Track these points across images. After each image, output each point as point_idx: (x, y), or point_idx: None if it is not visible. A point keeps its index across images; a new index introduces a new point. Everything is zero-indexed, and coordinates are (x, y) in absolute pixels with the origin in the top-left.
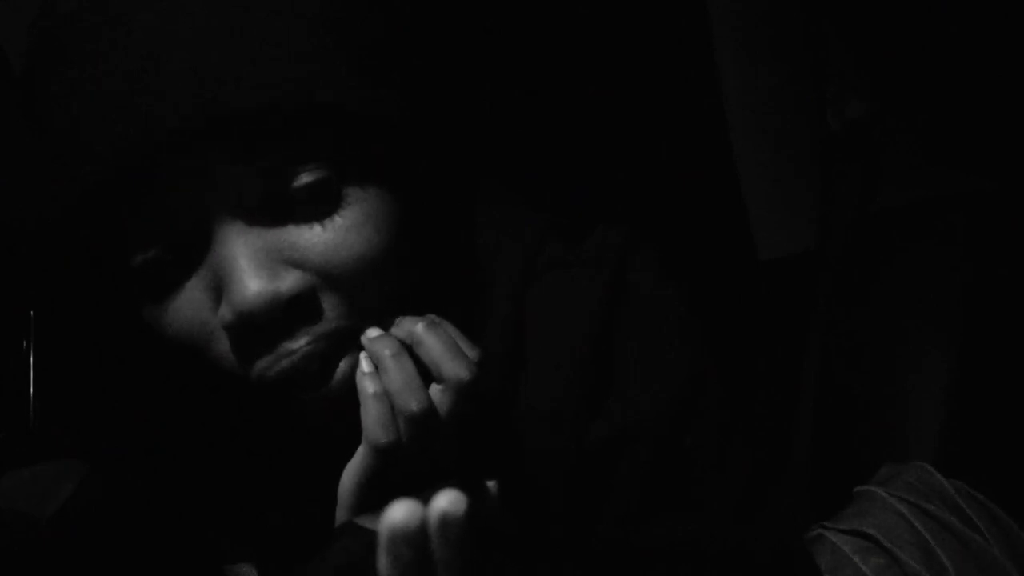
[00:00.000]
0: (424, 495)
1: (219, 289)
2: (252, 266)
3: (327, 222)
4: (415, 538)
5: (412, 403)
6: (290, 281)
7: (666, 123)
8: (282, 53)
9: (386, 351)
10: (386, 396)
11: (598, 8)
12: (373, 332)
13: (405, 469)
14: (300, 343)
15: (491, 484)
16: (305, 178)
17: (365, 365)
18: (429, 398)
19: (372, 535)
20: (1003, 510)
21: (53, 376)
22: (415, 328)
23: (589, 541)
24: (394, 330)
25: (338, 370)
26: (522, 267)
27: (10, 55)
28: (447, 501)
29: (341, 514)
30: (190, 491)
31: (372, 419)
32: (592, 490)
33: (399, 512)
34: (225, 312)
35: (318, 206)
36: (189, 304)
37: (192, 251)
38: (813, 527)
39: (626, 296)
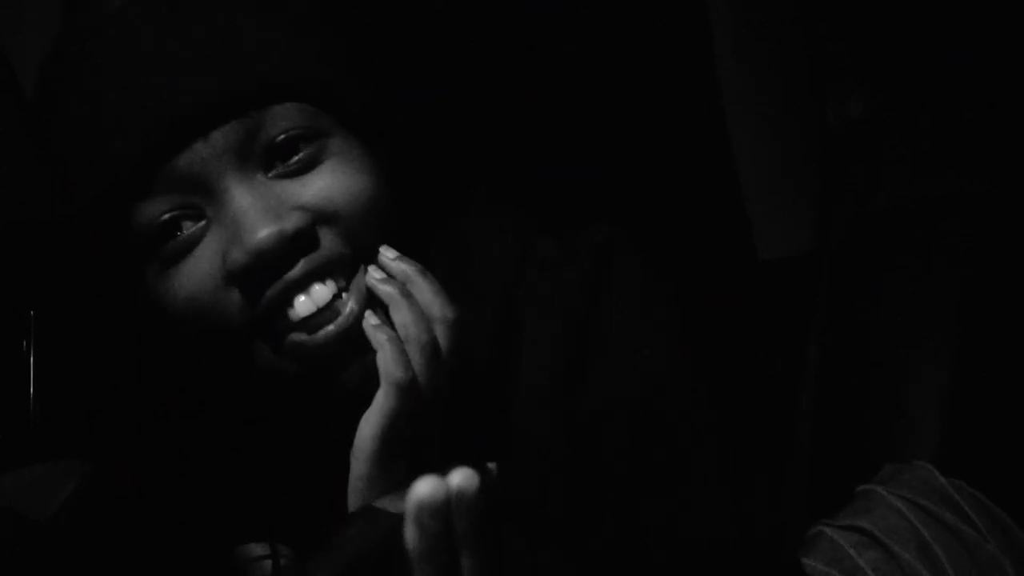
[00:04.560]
0: (444, 473)
1: (230, 243)
2: (259, 212)
3: (318, 170)
4: (439, 511)
5: (423, 334)
6: (293, 220)
7: (667, 124)
8: (265, 48)
9: (396, 291)
10: (397, 340)
11: (599, 9)
12: (377, 273)
13: (417, 422)
14: (300, 269)
15: (491, 466)
16: (297, 141)
17: (372, 318)
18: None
19: (390, 518)
20: (1004, 509)
21: (53, 376)
22: (409, 270)
23: (579, 521)
24: (392, 264)
25: (346, 307)
26: (512, 266)
27: (10, 55)
28: (461, 478)
29: (359, 467)
30: (201, 473)
31: (390, 359)
32: (579, 471)
33: (425, 487)
34: (238, 255)
35: (310, 161)
36: (205, 260)
37: (203, 214)
38: (814, 524)
39: (609, 291)
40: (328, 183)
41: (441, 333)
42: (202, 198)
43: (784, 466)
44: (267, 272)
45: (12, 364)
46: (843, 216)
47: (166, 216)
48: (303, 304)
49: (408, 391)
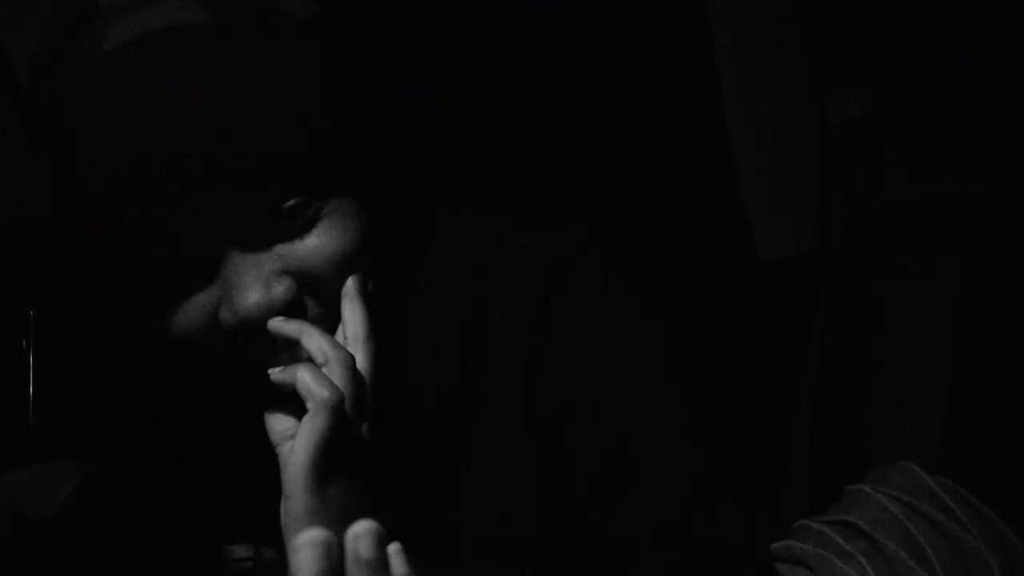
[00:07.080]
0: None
1: (222, 296)
2: (250, 279)
3: (307, 235)
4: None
5: (340, 351)
6: (281, 290)
7: (666, 123)
8: (257, 116)
9: (300, 324)
10: (312, 365)
11: (599, 9)
12: (274, 321)
13: (346, 444)
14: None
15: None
16: (287, 205)
17: (275, 370)
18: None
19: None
20: (1003, 508)
21: (53, 376)
22: (297, 326)
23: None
24: (282, 327)
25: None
26: (480, 268)
27: (10, 55)
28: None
29: (295, 504)
30: (190, 477)
31: (310, 381)
32: (544, 469)
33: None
34: (228, 317)
35: (304, 224)
36: (196, 309)
37: (200, 267)
38: (798, 521)
39: (572, 290)
40: (318, 247)
41: (358, 350)
42: (199, 253)
43: (784, 466)
44: (253, 328)
45: (12, 364)
46: (843, 216)
47: (167, 269)
48: (281, 358)
49: (334, 409)
